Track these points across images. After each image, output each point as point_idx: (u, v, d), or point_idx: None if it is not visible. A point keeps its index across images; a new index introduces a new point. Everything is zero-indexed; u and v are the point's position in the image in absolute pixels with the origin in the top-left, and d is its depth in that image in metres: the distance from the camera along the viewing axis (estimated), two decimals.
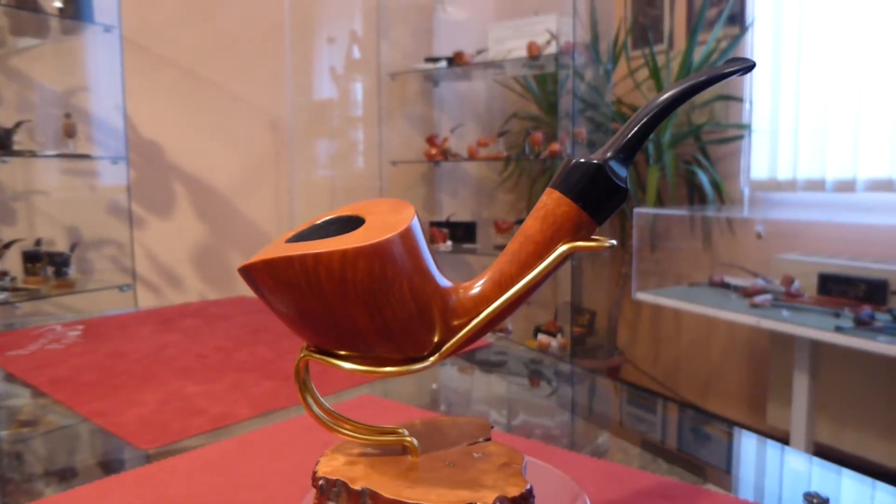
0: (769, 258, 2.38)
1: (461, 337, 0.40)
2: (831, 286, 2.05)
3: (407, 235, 0.36)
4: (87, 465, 0.68)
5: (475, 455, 0.40)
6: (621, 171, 0.41)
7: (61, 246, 2.23)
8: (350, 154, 3.01)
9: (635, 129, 0.41)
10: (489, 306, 0.40)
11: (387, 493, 0.36)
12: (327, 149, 2.96)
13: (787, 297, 2.08)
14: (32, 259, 2.10)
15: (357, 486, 0.38)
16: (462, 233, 2.87)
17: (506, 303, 0.40)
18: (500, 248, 2.75)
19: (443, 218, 2.92)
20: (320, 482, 0.40)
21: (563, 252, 0.40)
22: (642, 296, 2.40)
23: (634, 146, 0.42)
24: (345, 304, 0.36)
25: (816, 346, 1.94)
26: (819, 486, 0.63)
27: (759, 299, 2.06)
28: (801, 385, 1.99)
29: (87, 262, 2.33)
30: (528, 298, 0.42)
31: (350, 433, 0.42)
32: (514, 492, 0.36)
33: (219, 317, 1.28)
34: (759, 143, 2.55)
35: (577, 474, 0.58)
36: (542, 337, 2.72)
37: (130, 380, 0.89)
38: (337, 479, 0.39)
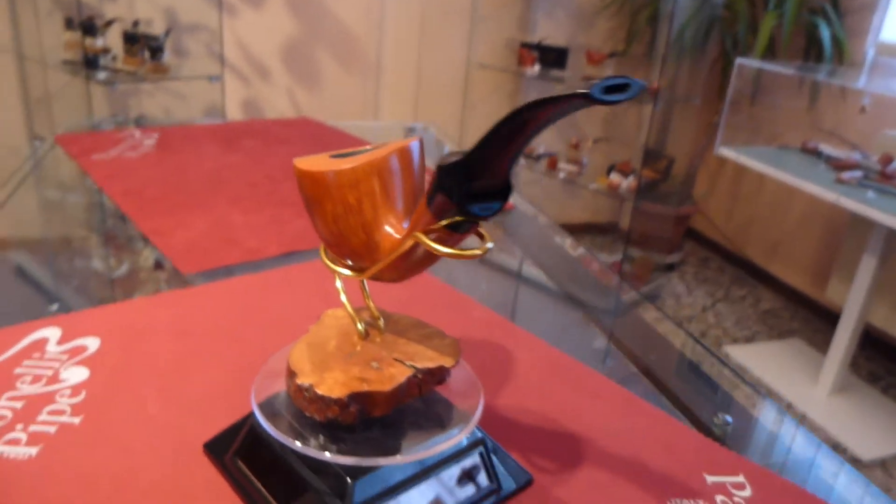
0: (875, 132, 2.20)
1: (371, 271, 0.43)
2: None
3: (339, 175, 0.42)
4: (126, 284, 0.81)
5: (373, 364, 0.44)
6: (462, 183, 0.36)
7: (158, 28, 2.32)
8: None
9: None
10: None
11: (290, 344, 0.48)
12: None
13: (880, 178, 1.96)
14: (131, 40, 2.20)
15: (307, 329, 0.50)
16: (553, 58, 2.75)
17: (387, 265, 0.42)
18: (589, 79, 2.63)
19: (535, 40, 2.80)
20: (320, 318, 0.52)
21: (411, 241, 0.40)
22: (725, 151, 2.30)
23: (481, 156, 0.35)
24: (307, 207, 0.46)
25: (892, 234, 1.87)
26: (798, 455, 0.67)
27: (847, 175, 1.95)
28: (867, 267, 1.95)
29: (181, 47, 2.42)
30: (427, 265, 0.42)
31: (342, 295, 0.49)
32: (324, 391, 0.41)
33: (279, 140, 1.37)
34: None
35: (518, 357, 0.63)
36: (613, 176, 2.70)
37: (188, 199, 1.01)
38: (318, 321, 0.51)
